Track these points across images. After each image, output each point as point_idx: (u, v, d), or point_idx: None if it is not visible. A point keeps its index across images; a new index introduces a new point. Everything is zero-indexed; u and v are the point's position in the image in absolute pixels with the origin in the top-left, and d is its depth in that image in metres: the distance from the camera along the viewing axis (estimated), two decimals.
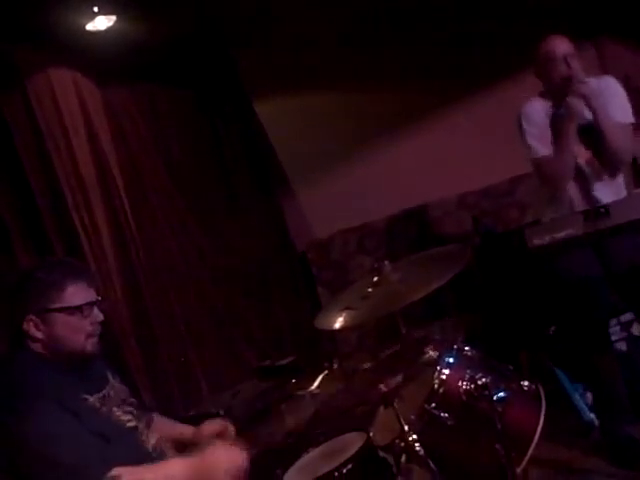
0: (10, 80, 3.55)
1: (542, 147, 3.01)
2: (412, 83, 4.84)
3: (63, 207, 3.60)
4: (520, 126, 3.11)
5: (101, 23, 3.89)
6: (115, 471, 1.78)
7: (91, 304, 2.05)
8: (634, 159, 4.18)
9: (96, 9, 3.78)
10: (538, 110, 3.10)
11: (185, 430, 2.33)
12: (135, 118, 4.30)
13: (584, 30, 4.56)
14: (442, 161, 4.73)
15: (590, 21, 4.53)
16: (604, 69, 4.61)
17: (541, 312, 3.53)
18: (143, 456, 2.00)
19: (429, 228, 4.91)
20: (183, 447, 2.22)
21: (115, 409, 2.06)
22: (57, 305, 1.98)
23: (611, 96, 3.03)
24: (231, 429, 2.33)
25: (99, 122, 3.97)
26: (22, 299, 2.00)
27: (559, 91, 2.99)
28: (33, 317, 1.97)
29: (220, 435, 2.30)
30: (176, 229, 4.28)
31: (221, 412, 3.17)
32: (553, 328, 3.51)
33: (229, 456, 1.94)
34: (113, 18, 3.90)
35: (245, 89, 4.96)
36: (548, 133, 3.01)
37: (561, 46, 3.02)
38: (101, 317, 2.08)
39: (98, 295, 2.10)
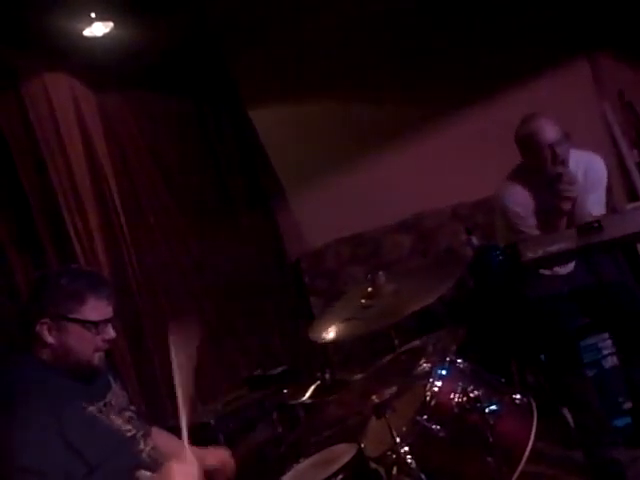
0: (5, 84, 3.53)
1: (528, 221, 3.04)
2: (408, 93, 4.85)
3: (57, 212, 3.59)
4: (502, 206, 3.13)
5: (98, 29, 3.89)
6: None
7: (107, 321, 2.03)
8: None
9: (93, 15, 3.77)
10: (519, 195, 3.08)
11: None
12: (130, 124, 4.29)
13: (578, 44, 4.60)
14: (437, 172, 4.74)
15: (584, 35, 4.56)
16: (598, 84, 4.65)
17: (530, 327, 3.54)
18: (138, 464, 1.98)
19: (423, 239, 4.92)
20: None
21: (114, 417, 2.04)
22: (75, 316, 1.97)
23: (593, 188, 3.04)
24: (231, 463, 2.25)
25: (94, 128, 3.96)
26: (41, 302, 1.99)
27: (545, 177, 2.98)
28: (48, 321, 1.95)
29: (220, 468, 2.23)
30: (169, 236, 4.27)
31: (212, 422, 3.16)
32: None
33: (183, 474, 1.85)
34: (110, 24, 3.90)
35: (240, 97, 4.97)
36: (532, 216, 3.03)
37: (548, 135, 2.94)
38: (113, 335, 2.05)
39: (114, 312, 2.07)
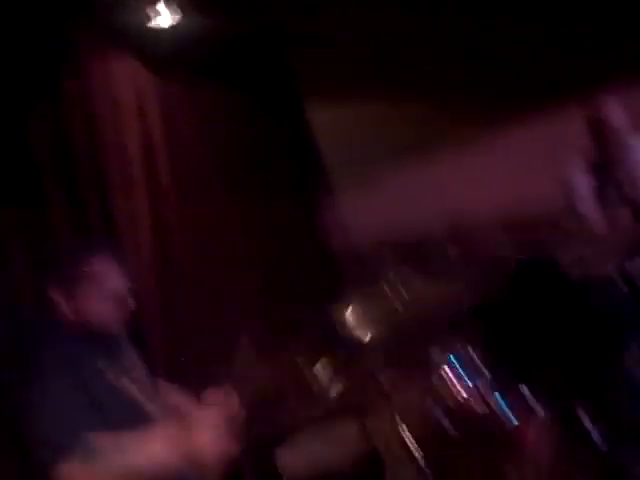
0: (72, 64, 3.60)
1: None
2: (471, 98, 4.82)
3: (106, 194, 3.63)
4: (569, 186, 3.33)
5: (165, 20, 4.00)
6: (95, 438, 1.77)
7: (116, 276, 2.10)
8: None
9: (161, 6, 3.91)
10: (584, 183, 3.30)
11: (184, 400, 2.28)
12: (190, 115, 4.37)
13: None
14: (489, 181, 4.69)
15: None
16: None
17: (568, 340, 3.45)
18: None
19: (468, 247, 4.85)
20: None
21: (129, 385, 2.09)
22: (88, 280, 2.04)
23: None
24: (235, 401, 2.25)
25: (153, 118, 4.04)
26: (54, 269, 2.08)
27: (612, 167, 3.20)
28: (60, 286, 2.03)
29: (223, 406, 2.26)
30: (218, 227, 4.31)
31: None
32: None
33: (216, 442, 1.85)
34: (178, 15, 4.01)
35: (300, 89, 5.01)
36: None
37: (617, 120, 3.19)
38: (126, 287, 2.10)
39: (129, 280, 2.14)
